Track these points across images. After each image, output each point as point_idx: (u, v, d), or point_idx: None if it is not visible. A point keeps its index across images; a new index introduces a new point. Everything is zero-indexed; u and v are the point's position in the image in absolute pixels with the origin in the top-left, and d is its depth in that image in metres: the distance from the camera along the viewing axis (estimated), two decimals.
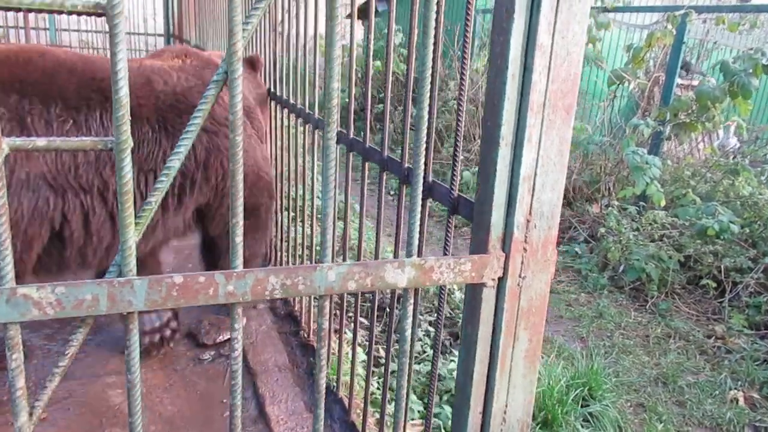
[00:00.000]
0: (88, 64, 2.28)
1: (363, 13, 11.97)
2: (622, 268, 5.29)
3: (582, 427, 3.08)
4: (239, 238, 1.03)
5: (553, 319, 4.76)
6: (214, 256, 3.12)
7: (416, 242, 1.13)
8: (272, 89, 3.40)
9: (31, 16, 11.92)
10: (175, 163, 0.99)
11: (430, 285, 1.18)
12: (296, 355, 3.16)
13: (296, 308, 3.46)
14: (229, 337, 3.29)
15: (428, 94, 1.08)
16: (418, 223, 1.12)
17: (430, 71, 1.15)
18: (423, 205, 1.73)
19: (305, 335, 3.27)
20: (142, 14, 13.70)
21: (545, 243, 1.21)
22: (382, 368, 3.20)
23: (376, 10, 2.16)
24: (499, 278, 1.20)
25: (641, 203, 6.02)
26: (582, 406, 3.24)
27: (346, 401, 2.67)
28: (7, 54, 2.11)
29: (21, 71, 2.06)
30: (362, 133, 2.26)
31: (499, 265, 1.19)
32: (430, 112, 1.64)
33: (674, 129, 6.07)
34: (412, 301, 1.17)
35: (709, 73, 7.00)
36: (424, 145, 1.11)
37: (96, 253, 2.34)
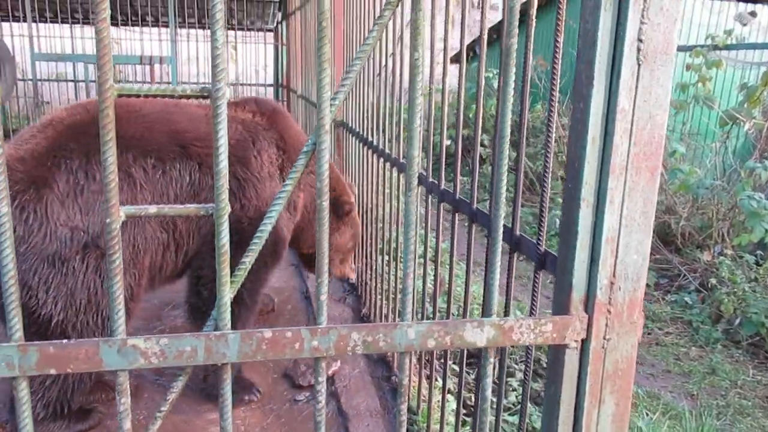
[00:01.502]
0: (166, 117, 2.58)
1: (468, 54, 12.16)
2: (738, 321, 4.93)
3: None
4: (323, 297, 1.09)
5: (659, 374, 4.50)
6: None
7: (495, 301, 1.15)
8: (368, 137, 3.52)
9: (157, 71, 13.01)
10: (267, 227, 1.07)
11: (510, 345, 1.19)
12: (387, 399, 3.18)
13: (389, 353, 3.50)
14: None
15: (507, 148, 1.11)
16: (497, 281, 1.14)
17: (508, 122, 1.18)
18: (510, 260, 1.74)
19: (397, 380, 3.29)
20: (254, 65, 14.63)
21: (631, 305, 1.18)
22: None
23: (475, 53, 2.18)
24: (582, 340, 1.19)
25: (759, 252, 5.61)
26: None
27: None
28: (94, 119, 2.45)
29: (123, 127, 2.37)
30: (453, 184, 2.30)
31: (581, 326, 1.17)
32: (518, 164, 1.66)
33: None
34: (492, 360, 1.18)
35: None
36: (503, 197, 1.14)
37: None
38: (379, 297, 3.51)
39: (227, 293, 1.06)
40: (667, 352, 4.82)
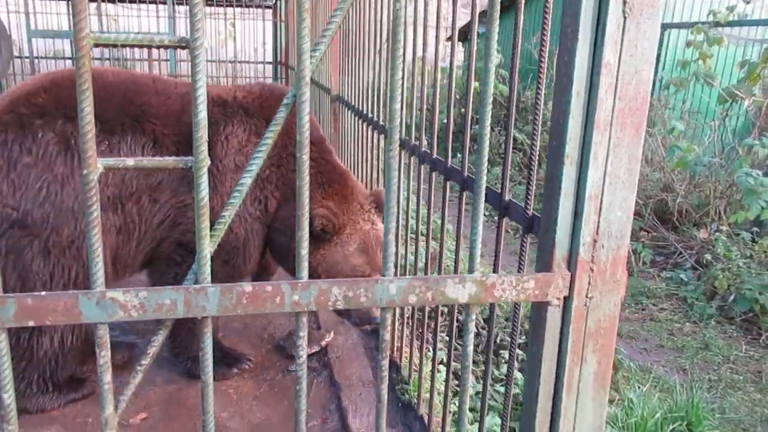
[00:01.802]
0: (131, 87, 2.49)
1: (464, 35, 12.04)
2: (732, 297, 4.94)
3: None
4: (304, 251, 1.08)
5: (653, 349, 4.52)
6: None
7: (478, 258, 1.14)
8: (365, 111, 3.49)
9: (155, 50, 12.94)
10: (248, 179, 1.06)
11: (492, 301, 1.18)
12: None
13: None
14: (317, 350, 3.39)
15: (489, 111, 1.10)
16: (479, 236, 1.13)
17: (491, 86, 1.16)
18: (499, 224, 1.74)
19: (390, 351, 3.30)
20: (253, 42, 14.52)
21: (614, 263, 1.18)
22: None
23: (478, 33, 2.18)
24: (565, 298, 1.19)
25: (755, 229, 5.60)
26: None
27: (426, 418, 2.67)
28: (55, 80, 2.37)
29: (67, 96, 2.28)
30: (445, 154, 2.29)
31: (564, 284, 1.17)
32: (507, 133, 1.65)
33: None
34: (473, 317, 1.17)
35: None
36: (486, 159, 1.13)
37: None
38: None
39: (207, 247, 1.05)
40: (661, 327, 4.84)
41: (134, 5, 12.68)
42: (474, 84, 9.90)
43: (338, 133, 4.67)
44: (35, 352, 2.49)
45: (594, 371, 1.23)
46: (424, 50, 2.61)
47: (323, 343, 3.41)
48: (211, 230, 1.06)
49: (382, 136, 3.20)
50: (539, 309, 1.22)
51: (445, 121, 2.36)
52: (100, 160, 1.00)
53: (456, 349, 3.24)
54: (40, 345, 2.48)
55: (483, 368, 2.06)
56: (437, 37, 2.27)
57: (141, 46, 0.96)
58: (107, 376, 1.07)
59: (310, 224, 2.65)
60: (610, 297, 1.20)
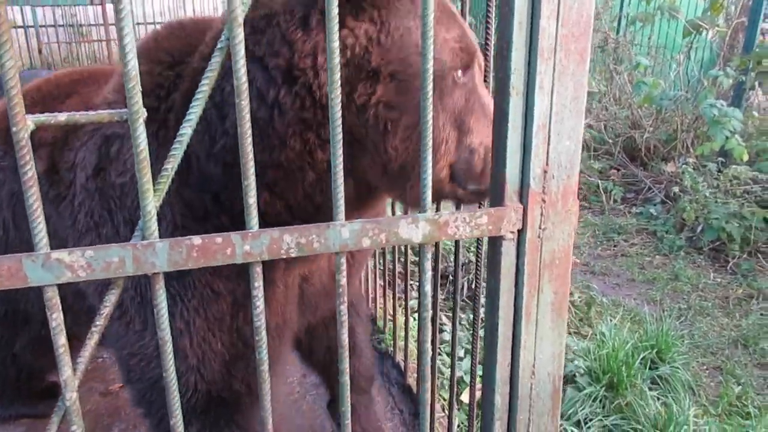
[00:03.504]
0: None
1: None
2: (700, 228, 5.05)
3: (650, 389, 3.00)
4: (252, 200, 1.07)
5: (624, 283, 4.63)
6: None
7: (429, 197, 1.14)
8: None
9: (110, 11, 12.52)
10: (187, 129, 1.03)
11: (447, 239, 1.18)
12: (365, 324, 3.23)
13: None
14: None
15: (431, 50, 1.07)
16: (429, 176, 1.12)
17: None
18: None
19: (366, 301, 3.33)
20: (214, 2, 14.11)
21: (565, 194, 1.18)
22: (444, 335, 3.23)
23: None
24: (519, 231, 1.19)
25: (721, 159, 5.69)
26: (650, 369, 3.14)
27: (402, 365, 2.72)
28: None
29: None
30: None
31: (517, 217, 1.17)
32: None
33: (758, 78, 5.68)
34: (429, 256, 1.18)
35: None
36: (430, 101, 1.10)
37: None
38: None
39: (151, 201, 1.03)
40: (632, 262, 4.95)
41: None
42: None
43: None
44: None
45: (551, 301, 1.25)
46: None
47: None
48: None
49: None
50: (494, 244, 1.22)
51: None
52: (30, 117, 0.96)
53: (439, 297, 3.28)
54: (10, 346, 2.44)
55: (459, 313, 2.09)
56: None
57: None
58: (62, 339, 1.06)
59: None
60: (563, 227, 1.20)
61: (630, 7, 8.36)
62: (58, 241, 1.79)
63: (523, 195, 1.17)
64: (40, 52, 12.43)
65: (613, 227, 5.60)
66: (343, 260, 1.15)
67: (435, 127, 1.39)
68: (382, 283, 3.16)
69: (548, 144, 1.14)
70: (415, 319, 2.96)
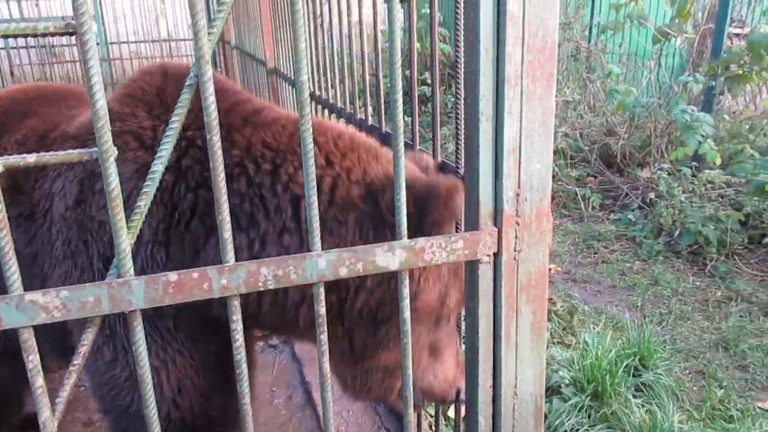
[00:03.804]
0: (67, 99, 2.23)
1: None
2: (677, 232, 5.12)
3: (634, 397, 3.02)
4: (227, 234, 1.07)
5: (605, 290, 4.67)
6: None
7: (404, 223, 1.14)
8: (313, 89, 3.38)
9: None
10: (159, 166, 1.03)
11: (423, 265, 1.19)
12: None
13: None
14: None
15: (399, 72, 1.09)
16: (403, 204, 1.13)
17: (398, 48, 1.15)
18: None
19: None
20: (187, 20, 14.05)
21: (538, 215, 1.19)
22: None
23: None
24: (494, 254, 1.20)
25: (694, 164, 5.78)
26: (634, 376, 3.17)
27: None
28: None
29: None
30: (378, 119, 2.28)
31: (492, 240, 1.18)
32: (433, 93, 1.64)
33: (727, 82, 5.79)
34: (406, 283, 1.18)
35: (763, 20, 6.62)
36: (400, 113, 1.11)
37: None
38: None
39: (125, 238, 1.02)
40: (613, 268, 4.99)
41: None
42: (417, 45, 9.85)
43: (279, 105, 4.59)
44: None
45: (530, 322, 1.26)
46: (360, 13, 2.55)
47: None
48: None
49: (321, 108, 3.14)
50: (471, 267, 1.23)
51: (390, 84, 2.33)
52: (0, 159, 0.96)
53: None
54: None
55: None
56: None
57: (25, 35, 0.92)
58: (39, 380, 1.04)
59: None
60: (538, 248, 1.22)
61: (600, 16, 8.50)
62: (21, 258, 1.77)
63: (497, 218, 1.18)
64: (12, 74, 12.28)
65: (593, 234, 5.65)
66: (321, 290, 1.15)
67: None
68: None
69: (519, 167, 1.16)
70: None
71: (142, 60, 11.92)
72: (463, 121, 1.54)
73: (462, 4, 1.42)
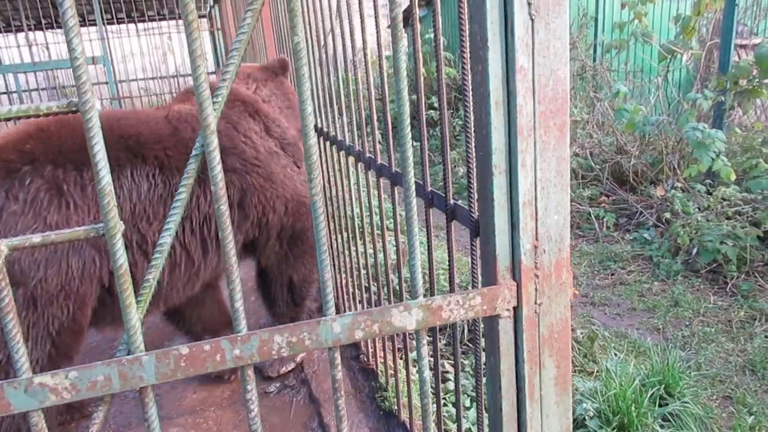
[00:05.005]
0: (115, 124, 2.39)
1: (405, 20, 12.01)
2: (695, 251, 5.03)
3: (662, 427, 2.94)
4: (239, 303, 1.04)
5: (625, 313, 4.59)
6: (266, 285, 3.21)
7: (420, 281, 1.11)
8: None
9: (92, 69, 12.64)
10: (167, 239, 1.01)
11: (441, 324, 1.16)
12: (358, 379, 3.17)
13: None
14: (293, 367, 3.34)
15: (407, 109, 1.06)
16: (418, 259, 1.10)
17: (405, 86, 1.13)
18: (447, 228, 1.71)
19: (365, 359, 3.28)
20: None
21: (558, 267, 1.16)
22: (448, 384, 3.16)
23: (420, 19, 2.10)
24: (514, 308, 1.16)
25: (708, 181, 5.71)
26: (660, 405, 3.09)
27: (408, 424, 2.65)
28: (41, 126, 2.26)
29: (56, 142, 2.19)
30: (388, 157, 2.25)
31: (511, 294, 1.15)
32: (442, 132, 1.62)
33: (736, 97, 5.74)
34: (424, 342, 1.15)
35: None
36: (410, 156, 1.09)
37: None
38: (342, 275, 3.46)
39: (135, 315, 1.00)
40: (631, 290, 4.91)
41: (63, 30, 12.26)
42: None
43: None
44: None
45: (554, 376, 1.21)
46: (364, 39, 2.55)
47: (298, 359, 3.37)
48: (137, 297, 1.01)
49: (337, 149, 3.12)
50: (490, 323, 1.20)
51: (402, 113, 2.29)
52: (4, 242, 0.94)
53: (441, 350, 3.23)
54: None
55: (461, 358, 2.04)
56: (377, 24, 2.21)
57: (28, 117, 0.90)
58: None
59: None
60: (559, 300, 1.18)
61: (604, 34, 8.50)
62: None
63: (515, 271, 1.15)
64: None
65: (609, 255, 5.57)
66: (337, 355, 1.11)
67: None
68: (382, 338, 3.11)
69: (536, 219, 1.12)
70: (417, 371, 2.90)
71: (152, 97, 12.07)
72: (473, 164, 1.51)
73: (467, 36, 1.40)
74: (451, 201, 1.78)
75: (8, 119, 0.89)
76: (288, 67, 3.41)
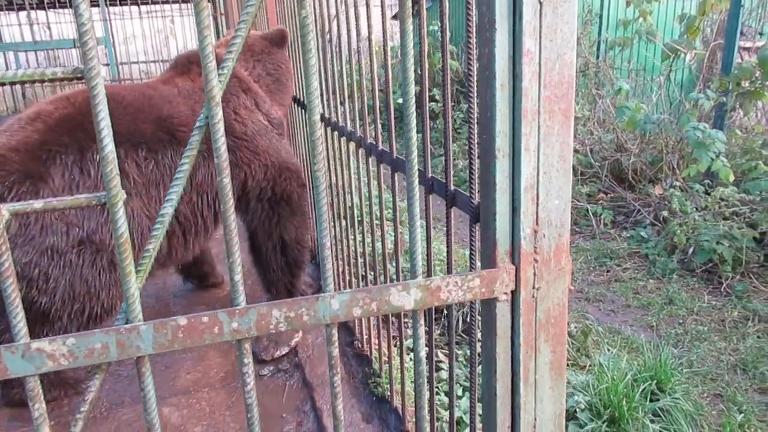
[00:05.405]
0: (146, 102, 2.55)
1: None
2: (691, 250, 5.05)
3: (652, 422, 2.96)
4: (238, 277, 1.04)
5: (619, 309, 4.60)
6: (258, 250, 3.32)
7: (419, 262, 1.12)
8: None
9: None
10: (168, 209, 1.01)
11: (439, 304, 1.16)
12: (351, 365, 3.18)
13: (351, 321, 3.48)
14: (287, 351, 3.35)
15: (412, 99, 1.06)
16: (418, 240, 1.10)
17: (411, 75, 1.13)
18: (447, 215, 1.71)
19: (359, 345, 3.29)
20: (196, 39, 14.16)
21: (557, 252, 1.16)
22: (441, 373, 3.18)
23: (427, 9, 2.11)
24: (512, 292, 1.17)
25: (707, 181, 5.72)
26: (651, 401, 3.10)
27: (401, 410, 2.66)
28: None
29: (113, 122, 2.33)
30: (390, 144, 2.25)
31: (509, 278, 1.15)
32: (445, 120, 1.62)
33: (738, 99, 5.74)
34: (422, 322, 1.15)
35: None
36: (414, 141, 1.09)
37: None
38: (340, 262, 3.46)
39: (134, 284, 1.00)
40: (626, 287, 4.93)
41: (66, 10, 12.22)
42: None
43: (294, 138, 4.57)
44: None
45: (549, 361, 1.22)
46: (370, 31, 2.54)
47: (292, 343, 3.38)
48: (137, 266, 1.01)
49: (331, 131, 3.12)
50: (488, 305, 1.20)
51: (401, 101, 2.30)
52: (6, 206, 0.94)
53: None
54: None
55: (455, 349, 2.05)
56: (383, 15, 2.21)
57: (33, 82, 0.90)
58: (45, 429, 1.02)
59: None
60: (557, 285, 1.18)
61: (608, 31, 8.49)
62: None
63: (514, 255, 1.15)
64: (24, 96, 12.44)
65: (605, 252, 5.59)
66: (334, 332, 1.12)
67: None
68: (375, 322, 3.12)
69: (537, 204, 1.13)
70: (411, 359, 2.92)
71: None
72: (474, 151, 1.52)
73: (474, 20, 1.40)
74: (452, 187, 1.78)
75: (13, 83, 0.88)
76: (287, 40, 3.43)
